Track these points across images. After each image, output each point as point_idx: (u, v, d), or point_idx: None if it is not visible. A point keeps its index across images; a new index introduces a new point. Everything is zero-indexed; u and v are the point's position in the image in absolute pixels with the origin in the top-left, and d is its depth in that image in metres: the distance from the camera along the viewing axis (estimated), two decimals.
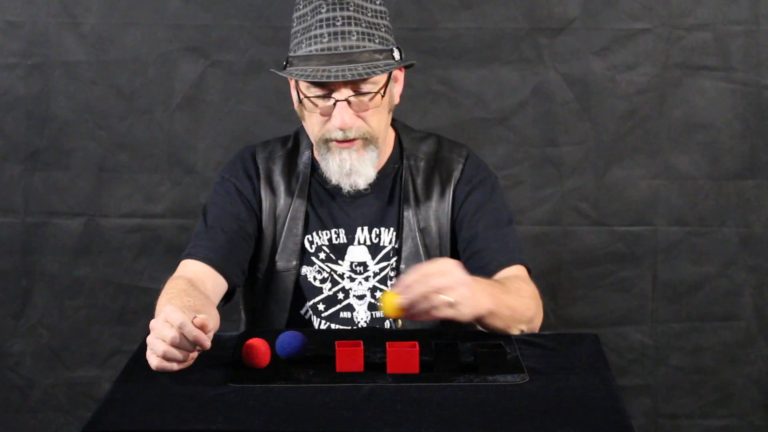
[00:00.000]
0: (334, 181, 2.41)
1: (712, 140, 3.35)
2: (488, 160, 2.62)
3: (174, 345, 1.98)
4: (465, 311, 2.07)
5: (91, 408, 3.20)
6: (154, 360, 2.00)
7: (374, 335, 2.24)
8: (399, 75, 2.45)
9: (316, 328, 2.48)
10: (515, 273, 2.37)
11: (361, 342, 2.06)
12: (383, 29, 2.37)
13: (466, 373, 2.02)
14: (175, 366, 2.00)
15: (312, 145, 2.48)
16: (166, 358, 1.98)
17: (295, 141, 2.54)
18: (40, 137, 3.37)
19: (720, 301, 3.42)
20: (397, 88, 2.45)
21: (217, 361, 2.09)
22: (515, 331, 2.26)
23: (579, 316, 3.42)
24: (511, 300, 2.22)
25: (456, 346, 2.06)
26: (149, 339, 2.01)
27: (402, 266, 2.44)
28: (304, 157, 2.50)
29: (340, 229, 2.47)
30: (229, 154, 2.66)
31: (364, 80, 2.33)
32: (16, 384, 3.49)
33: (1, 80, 3.34)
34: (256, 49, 3.30)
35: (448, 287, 2.05)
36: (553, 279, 3.38)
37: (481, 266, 2.38)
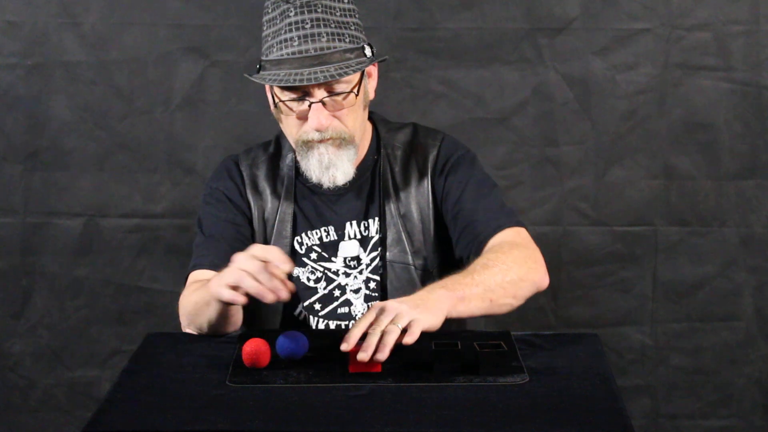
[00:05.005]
0: (314, 179, 2.42)
1: (712, 140, 3.35)
2: (488, 160, 2.62)
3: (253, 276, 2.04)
4: (425, 321, 2.08)
5: (91, 408, 3.19)
6: (225, 293, 2.07)
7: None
8: (372, 70, 2.46)
9: (313, 327, 2.48)
10: (503, 238, 2.37)
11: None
12: (353, 27, 2.38)
13: (466, 373, 2.02)
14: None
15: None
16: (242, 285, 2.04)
17: (276, 145, 2.55)
18: (40, 137, 3.37)
19: (720, 301, 3.42)
20: (371, 84, 2.46)
21: (217, 361, 2.10)
22: (511, 301, 2.26)
23: (579, 316, 3.42)
24: (476, 277, 2.23)
25: (456, 346, 2.06)
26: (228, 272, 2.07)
27: (387, 254, 2.45)
28: (287, 160, 2.52)
29: (329, 227, 2.48)
30: (229, 153, 2.66)
31: (337, 81, 2.34)
32: (16, 384, 3.48)
33: (1, 80, 3.34)
34: (256, 49, 3.27)
35: (396, 317, 2.06)
36: (553, 279, 3.33)
37: (472, 239, 2.40)
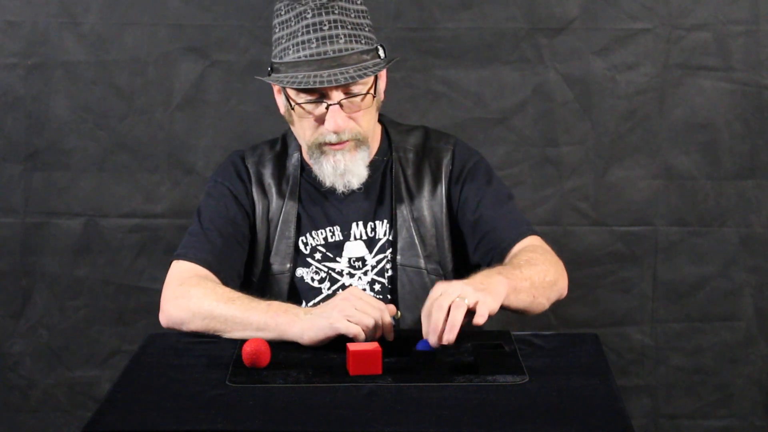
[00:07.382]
0: (328, 183, 2.41)
1: (712, 140, 3.35)
2: (488, 160, 2.61)
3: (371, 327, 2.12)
4: (490, 303, 2.08)
5: (91, 408, 3.20)
6: (351, 327, 2.11)
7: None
8: (382, 72, 2.45)
9: None
10: (527, 244, 2.39)
11: (377, 343, 2.06)
12: (366, 29, 2.38)
13: (466, 373, 2.02)
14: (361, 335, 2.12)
15: (300, 147, 2.49)
16: (363, 330, 2.12)
17: (283, 143, 2.54)
18: (40, 137, 3.37)
19: (720, 301, 3.42)
20: (381, 85, 2.46)
21: (217, 361, 2.10)
22: (544, 302, 2.28)
23: (579, 316, 3.42)
24: (524, 271, 2.25)
25: (456, 346, 2.06)
26: (351, 309, 2.12)
27: (398, 257, 2.45)
28: (293, 159, 2.51)
29: (335, 227, 2.47)
30: (230, 152, 2.66)
31: (355, 82, 2.34)
32: (16, 384, 3.48)
33: (1, 80, 3.35)
34: (256, 49, 3.30)
35: (460, 296, 2.06)
36: None
37: (493, 246, 2.40)
